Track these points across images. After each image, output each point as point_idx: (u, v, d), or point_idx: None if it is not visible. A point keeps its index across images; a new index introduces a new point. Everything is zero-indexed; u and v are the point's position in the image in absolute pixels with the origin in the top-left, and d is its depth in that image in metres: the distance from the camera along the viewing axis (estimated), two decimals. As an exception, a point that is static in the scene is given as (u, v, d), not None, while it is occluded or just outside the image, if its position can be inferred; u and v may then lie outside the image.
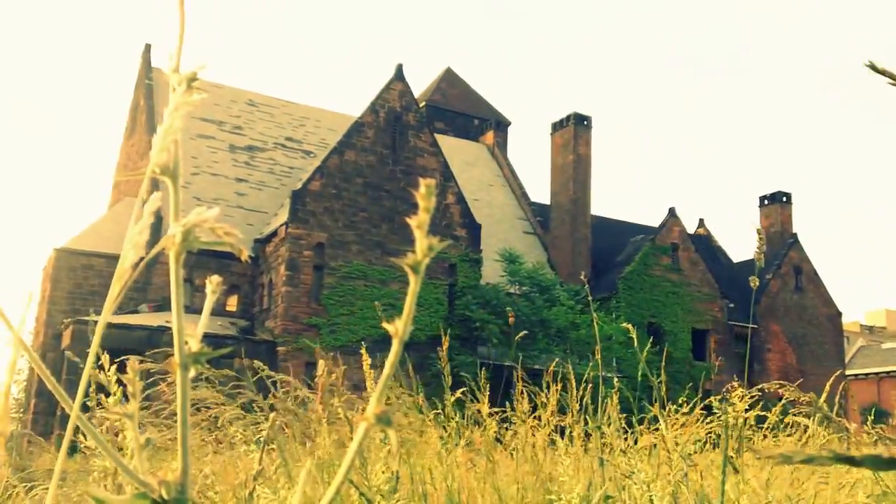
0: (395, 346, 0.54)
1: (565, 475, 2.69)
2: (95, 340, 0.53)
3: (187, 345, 0.60)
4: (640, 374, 3.19)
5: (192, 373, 0.60)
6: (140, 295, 28.86)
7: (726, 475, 2.40)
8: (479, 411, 4.18)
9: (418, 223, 0.53)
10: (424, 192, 0.53)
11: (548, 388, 4.16)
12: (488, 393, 4.18)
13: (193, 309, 23.88)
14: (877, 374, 50.60)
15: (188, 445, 0.59)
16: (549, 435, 3.86)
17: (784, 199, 43.28)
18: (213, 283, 0.67)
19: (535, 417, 4.04)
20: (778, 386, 2.46)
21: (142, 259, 0.52)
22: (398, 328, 0.54)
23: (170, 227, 0.55)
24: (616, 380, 3.99)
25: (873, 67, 0.57)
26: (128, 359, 1.05)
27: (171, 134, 0.53)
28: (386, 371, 0.53)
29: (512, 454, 3.78)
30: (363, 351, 3.51)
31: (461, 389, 4.08)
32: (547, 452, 3.57)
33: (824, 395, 3.03)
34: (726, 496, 2.46)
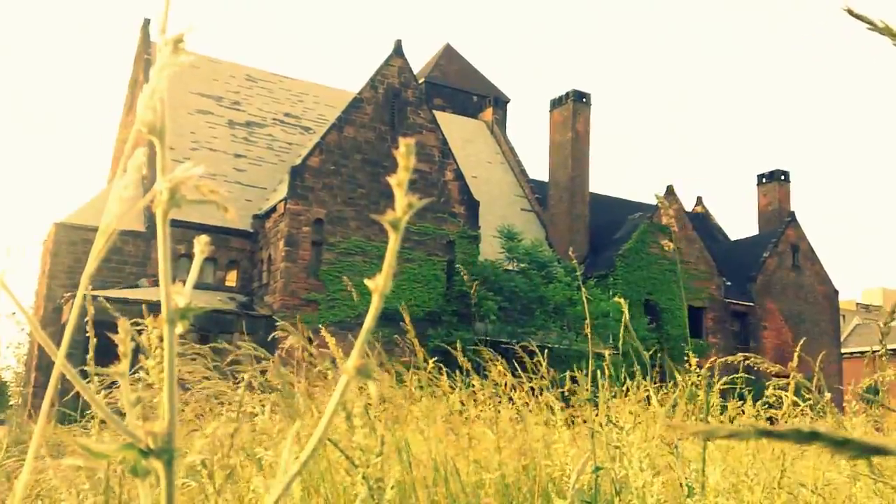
0: (376, 301, 0.56)
1: (559, 443, 2.73)
2: (79, 294, 0.55)
3: (174, 301, 0.62)
4: (621, 344, 3.21)
5: (179, 328, 0.61)
6: (140, 270, 28.90)
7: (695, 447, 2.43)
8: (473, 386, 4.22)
9: (398, 181, 0.54)
10: (404, 151, 0.54)
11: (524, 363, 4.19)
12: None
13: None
14: (873, 352, 50.65)
15: (175, 399, 0.60)
16: (529, 405, 3.90)
17: (782, 177, 43.26)
18: (200, 243, 0.68)
19: (517, 389, 4.08)
20: (743, 358, 2.49)
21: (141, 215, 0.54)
22: (378, 284, 0.55)
23: (156, 184, 0.56)
24: (608, 354, 4.02)
25: (851, 12, 0.58)
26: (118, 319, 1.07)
27: (158, 93, 0.54)
28: (367, 324, 0.55)
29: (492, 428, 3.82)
30: (324, 332, 3.36)
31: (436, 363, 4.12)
32: (528, 425, 3.62)
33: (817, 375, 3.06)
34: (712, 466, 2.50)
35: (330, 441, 2.22)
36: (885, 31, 0.62)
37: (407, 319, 3.52)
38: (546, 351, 4.43)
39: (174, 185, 0.53)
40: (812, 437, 0.52)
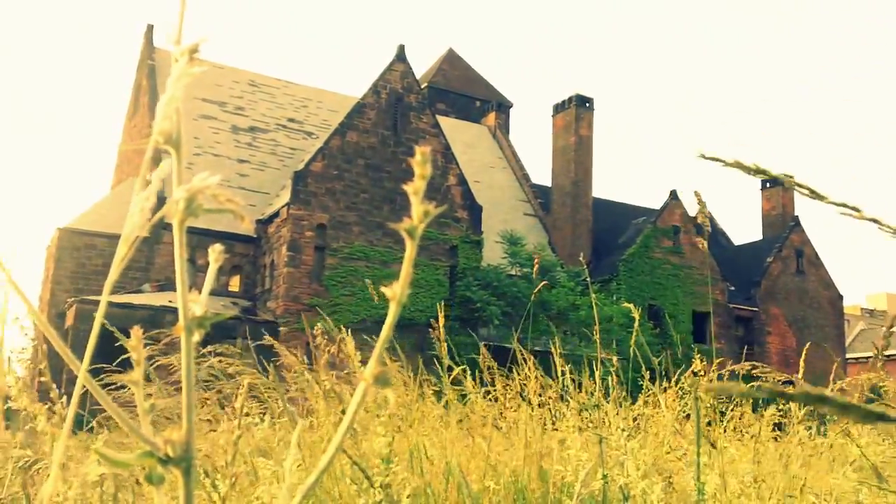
0: (393, 309, 0.56)
1: (566, 451, 2.72)
2: (103, 300, 0.55)
3: (191, 310, 0.62)
4: (631, 349, 3.21)
5: (196, 337, 0.61)
6: (143, 275, 28.92)
7: (703, 452, 2.43)
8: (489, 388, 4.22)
9: (414, 189, 0.54)
10: (420, 160, 0.54)
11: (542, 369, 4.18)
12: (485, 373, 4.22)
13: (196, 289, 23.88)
14: (877, 357, 50.37)
15: (193, 407, 0.60)
16: (541, 414, 3.89)
17: (786, 181, 43.21)
18: (215, 252, 0.68)
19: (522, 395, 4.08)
20: (750, 367, 2.49)
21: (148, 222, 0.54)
22: (396, 292, 0.55)
23: (173, 193, 0.56)
24: (615, 360, 4.01)
25: (703, 156, 0.61)
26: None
27: (174, 102, 0.55)
28: (383, 334, 0.55)
29: (503, 431, 3.82)
30: (346, 335, 3.47)
31: (460, 367, 4.12)
32: (538, 430, 3.61)
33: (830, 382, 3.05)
34: (712, 472, 2.49)
35: (343, 451, 2.22)
36: (736, 165, 0.66)
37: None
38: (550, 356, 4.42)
39: (191, 194, 0.54)
40: (819, 399, 0.54)
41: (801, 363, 3.24)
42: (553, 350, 4.10)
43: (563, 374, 4.03)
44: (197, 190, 0.53)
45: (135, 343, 0.96)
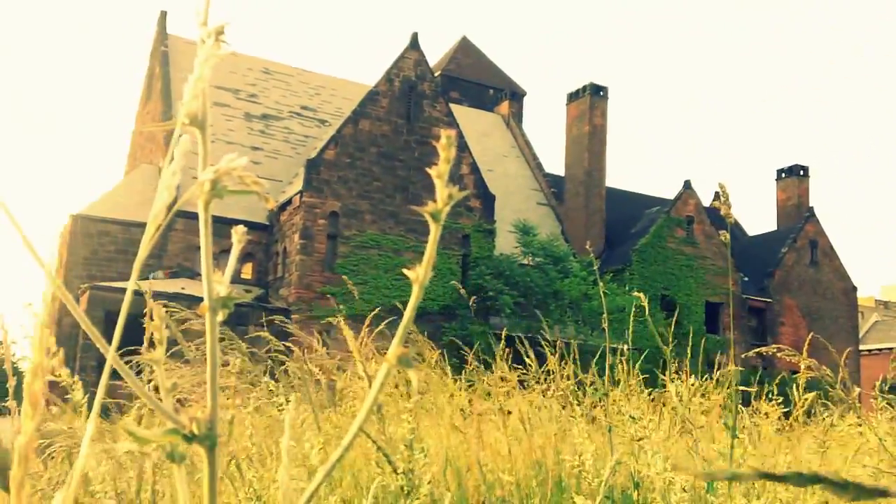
0: (416, 292, 0.56)
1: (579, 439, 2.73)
2: (132, 281, 0.55)
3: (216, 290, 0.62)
4: (630, 335, 3.20)
5: (220, 316, 0.62)
6: (155, 262, 29.08)
7: (726, 442, 2.43)
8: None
9: (438, 173, 0.55)
10: (445, 143, 0.54)
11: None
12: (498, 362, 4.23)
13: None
14: (891, 349, 50.22)
15: (217, 385, 0.61)
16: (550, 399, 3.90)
17: (801, 172, 42.92)
18: (238, 233, 0.69)
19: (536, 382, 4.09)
20: (776, 350, 2.47)
21: (175, 202, 0.55)
22: (418, 274, 0.56)
23: (199, 175, 0.57)
24: (626, 349, 4.01)
25: None
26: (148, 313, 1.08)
27: (202, 83, 0.55)
28: (407, 314, 0.55)
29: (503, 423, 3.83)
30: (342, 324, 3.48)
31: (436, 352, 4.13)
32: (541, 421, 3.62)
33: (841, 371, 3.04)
34: (732, 459, 2.49)
35: (363, 432, 2.24)
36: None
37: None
38: (565, 346, 4.43)
39: (218, 176, 0.54)
40: (814, 480, 0.48)
41: (805, 352, 3.22)
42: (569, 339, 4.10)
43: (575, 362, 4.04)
44: (224, 171, 0.54)
45: (157, 322, 0.97)
